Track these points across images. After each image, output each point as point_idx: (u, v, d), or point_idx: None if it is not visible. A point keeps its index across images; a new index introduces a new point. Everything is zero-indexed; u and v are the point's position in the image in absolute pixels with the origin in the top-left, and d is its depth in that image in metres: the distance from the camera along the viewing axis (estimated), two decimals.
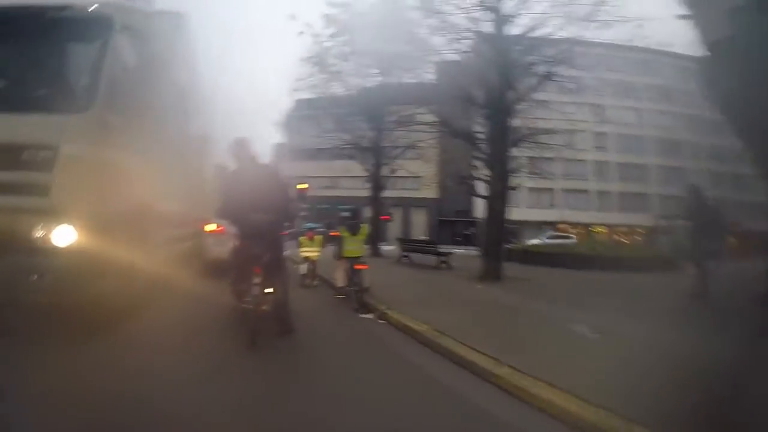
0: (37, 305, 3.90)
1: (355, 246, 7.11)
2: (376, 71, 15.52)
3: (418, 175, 29.51)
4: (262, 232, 4.42)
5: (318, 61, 15.49)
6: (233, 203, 4.55)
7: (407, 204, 36.46)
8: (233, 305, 4.99)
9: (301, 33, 15.45)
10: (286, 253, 5.81)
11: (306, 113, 20.82)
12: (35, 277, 3.75)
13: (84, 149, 3.98)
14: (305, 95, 17.24)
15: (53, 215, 3.78)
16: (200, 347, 4.22)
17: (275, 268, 4.56)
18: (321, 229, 12.75)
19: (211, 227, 9.15)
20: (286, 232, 5.24)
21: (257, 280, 4.27)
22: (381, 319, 6.03)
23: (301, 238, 9.25)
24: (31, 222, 3.75)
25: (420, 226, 38.42)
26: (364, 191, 19.28)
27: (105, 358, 3.60)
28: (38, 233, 3.75)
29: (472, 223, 35.57)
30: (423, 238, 29.40)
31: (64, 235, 3.79)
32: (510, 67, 10.65)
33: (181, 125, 7.81)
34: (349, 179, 33.29)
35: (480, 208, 26.83)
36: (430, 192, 34.84)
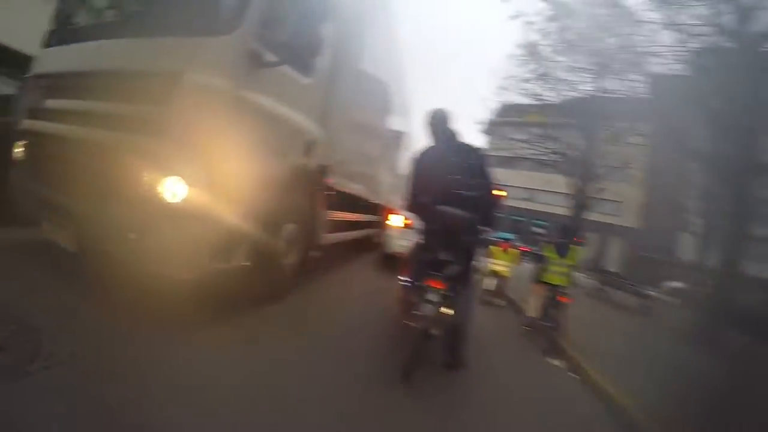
0: (136, 271, 2.99)
1: (560, 271, 5.84)
2: (590, 71, 13.83)
3: (619, 201, 26.30)
4: (454, 233, 3.40)
5: (530, 51, 14.18)
6: (421, 190, 3.58)
7: (604, 230, 32.53)
8: (397, 317, 4.15)
9: (515, 17, 13.93)
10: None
11: (511, 118, 19.50)
12: (133, 235, 2.87)
13: (216, 81, 2.93)
14: (512, 97, 15.92)
15: (162, 159, 2.82)
16: (335, 364, 3.28)
17: (461, 283, 3.51)
18: (515, 242, 11.76)
19: (396, 219, 9.00)
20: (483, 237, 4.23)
21: (434, 296, 3.27)
22: (574, 373, 4.80)
23: (494, 248, 8.11)
24: (139, 166, 2.87)
25: (613, 256, 33.97)
26: (562, 209, 17.48)
27: (199, 355, 2.82)
28: (144, 181, 2.85)
29: (675, 264, 29.92)
30: (614, 271, 26.01)
31: (174, 188, 2.83)
32: (760, 74, 8.19)
33: (370, 108, 7.37)
34: (548, 194, 31.26)
35: (689, 248, 22.66)
36: (629, 220, 30.64)
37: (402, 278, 4.41)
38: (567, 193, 15.33)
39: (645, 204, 26.15)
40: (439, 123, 3.77)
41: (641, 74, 13.00)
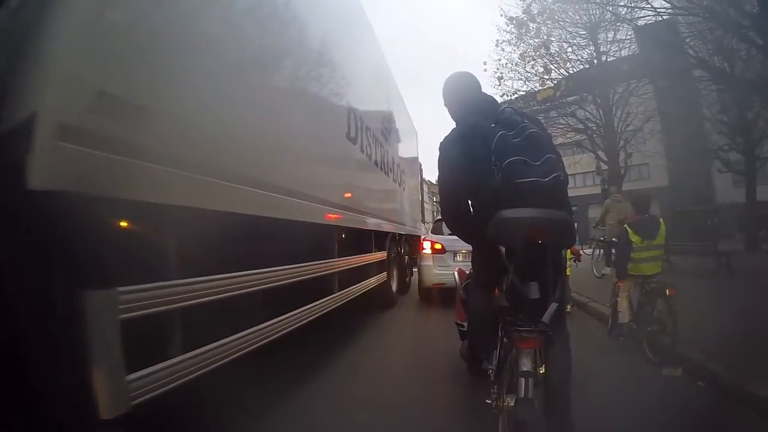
0: None
1: (651, 256, 4.49)
2: (583, 35, 13.12)
3: (645, 163, 25.20)
4: (541, 249, 2.05)
5: (519, 24, 13.08)
6: (463, 194, 2.35)
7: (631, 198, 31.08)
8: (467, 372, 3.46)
9: None
10: None
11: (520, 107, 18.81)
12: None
13: None
14: (513, 85, 14.98)
15: None
16: None
17: (557, 321, 2.14)
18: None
19: (427, 246, 8.03)
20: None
21: (526, 362, 1.97)
22: (701, 380, 3.57)
23: None
24: None
25: None
26: (591, 188, 16.59)
27: None
28: None
29: (714, 211, 27.95)
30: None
31: None
32: None
33: (376, 133, 6.24)
34: (575, 177, 30.12)
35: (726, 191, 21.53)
36: (660, 180, 29.04)
37: (459, 322, 3.56)
38: (596, 171, 14.50)
39: (671, 158, 24.85)
40: (467, 91, 2.56)
41: (630, 26, 12.34)
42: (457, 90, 2.60)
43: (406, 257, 9.13)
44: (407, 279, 9.18)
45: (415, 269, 9.17)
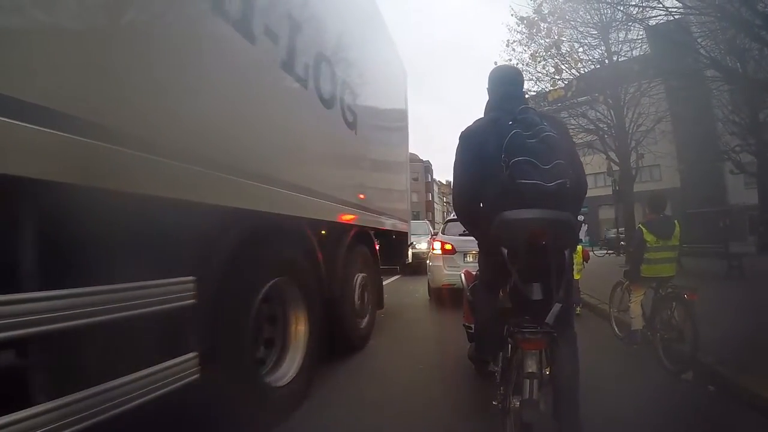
0: None
1: (666, 257, 4.31)
2: (594, 35, 13.08)
3: (656, 164, 25.05)
4: (543, 250, 2.03)
5: (530, 25, 13.01)
6: (475, 189, 2.30)
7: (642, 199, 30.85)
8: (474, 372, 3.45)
9: None
10: None
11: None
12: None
13: None
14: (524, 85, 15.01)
15: None
16: None
17: (563, 322, 2.13)
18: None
19: (436, 246, 8.03)
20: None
21: (530, 364, 1.98)
22: (708, 383, 3.56)
23: None
24: None
25: None
26: (602, 188, 16.52)
27: None
28: None
29: (726, 212, 27.54)
30: None
31: None
32: None
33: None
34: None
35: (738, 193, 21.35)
36: (671, 181, 28.77)
37: (467, 324, 3.54)
38: (607, 172, 14.44)
39: (682, 158, 24.66)
40: (501, 85, 2.49)
41: (642, 26, 12.28)
42: (494, 81, 2.54)
43: (363, 274, 5.05)
44: (362, 325, 5.01)
45: (418, 275, 8.94)
